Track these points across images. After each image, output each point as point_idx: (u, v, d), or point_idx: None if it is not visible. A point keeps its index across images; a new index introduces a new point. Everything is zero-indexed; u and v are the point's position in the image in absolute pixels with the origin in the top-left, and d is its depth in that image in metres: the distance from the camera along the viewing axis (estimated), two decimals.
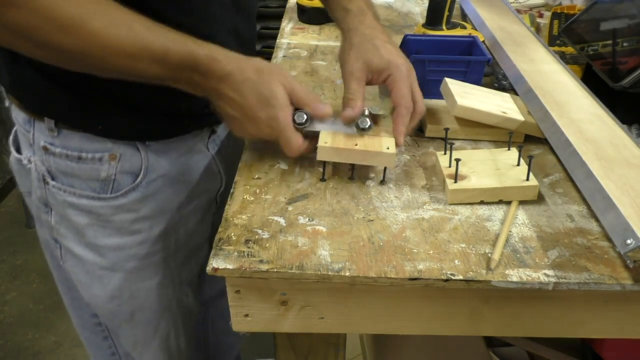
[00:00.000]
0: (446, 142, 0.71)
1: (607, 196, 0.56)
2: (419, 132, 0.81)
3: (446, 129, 0.73)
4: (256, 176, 0.69)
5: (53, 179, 0.73)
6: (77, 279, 0.81)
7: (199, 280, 0.92)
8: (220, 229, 0.60)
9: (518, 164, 0.68)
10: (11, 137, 0.79)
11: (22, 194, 0.83)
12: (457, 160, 0.65)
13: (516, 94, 0.85)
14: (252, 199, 0.65)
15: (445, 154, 0.71)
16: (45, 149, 0.71)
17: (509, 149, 0.72)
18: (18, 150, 0.78)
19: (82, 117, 0.70)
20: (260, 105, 0.62)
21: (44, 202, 0.76)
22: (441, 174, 0.68)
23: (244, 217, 0.62)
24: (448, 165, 0.68)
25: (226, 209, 0.63)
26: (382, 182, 0.68)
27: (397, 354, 1.21)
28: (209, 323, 1.03)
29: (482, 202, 0.65)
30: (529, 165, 0.65)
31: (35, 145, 0.72)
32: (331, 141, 0.67)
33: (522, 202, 0.66)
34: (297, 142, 0.65)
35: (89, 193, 0.73)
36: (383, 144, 0.67)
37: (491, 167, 0.68)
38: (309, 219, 0.62)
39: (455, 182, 0.65)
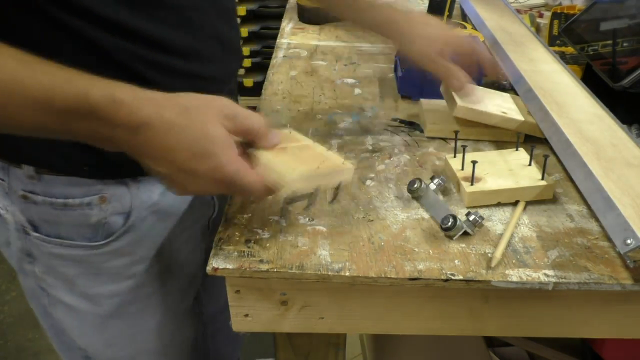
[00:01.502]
0: (456, 145, 0.71)
1: (607, 196, 0.56)
2: (418, 132, 0.81)
3: (456, 132, 0.73)
4: None
5: (35, 229, 0.65)
6: (70, 326, 0.74)
7: (199, 304, 0.87)
8: (220, 229, 0.60)
9: (529, 164, 0.68)
10: None
11: None
12: (474, 162, 0.64)
13: (516, 94, 0.85)
14: (252, 199, 0.65)
15: (454, 156, 0.71)
16: (24, 197, 0.63)
17: (517, 149, 0.72)
18: None
19: (65, 159, 0.61)
20: (196, 158, 0.49)
21: (26, 252, 0.68)
22: (454, 177, 0.68)
23: (244, 217, 0.62)
24: (460, 168, 0.68)
25: (226, 208, 0.63)
26: (332, 201, 0.64)
27: (397, 354, 1.21)
28: (209, 337, 0.97)
29: (497, 204, 0.65)
30: (544, 165, 0.65)
31: (13, 194, 0.64)
32: (293, 169, 0.53)
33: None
34: (258, 182, 0.52)
35: (78, 242, 0.66)
36: (338, 160, 0.59)
37: (503, 168, 0.68)
38: (309, 219, 0.62)
39: (472, 184, 0.65)
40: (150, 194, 0.67)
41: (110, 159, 0.59)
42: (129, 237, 0.67)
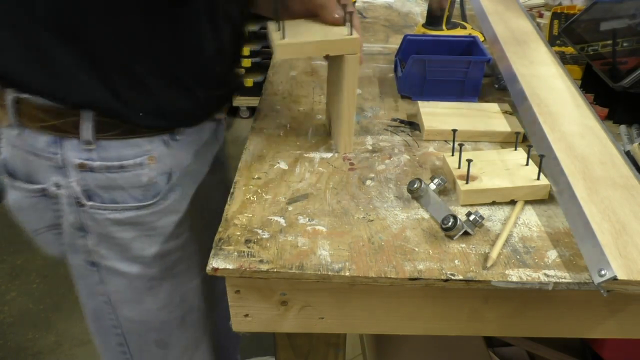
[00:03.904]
0: (454, 144, 0.71)
1: (587, 223, 0.56)
2: (418, 132, 0.81)
3: (454, 130, 0.73)
4: (256, 176, 0.69)
5: (90, 198, 0.70)
6: (123, 298, 0.78)
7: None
8: (220, 229, 0.60)
9: (527, 164, 0.68)
10: (4, 174, 0.73)
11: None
12: (469, 161, 0.65)
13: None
14: (252, 198, 0.65)
15: (452, 155, 0.71)
16: (81, 166, 0.67)
17: (515, 149, 0.72)
18: (30, 182, 0.71)
19: (124, 103, 0.66)
20: None
21: (78, 226, 0.72)
22: (451, 176, 0.68)
23: (244, 217, 0.62)
24: (457, 166, 0.68)
25: (226, 208, 0.63)
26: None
27: (397, 354, 1.21)
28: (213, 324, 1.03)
29: (491, 203, 0.65)
30: (540, 165, 0.65)
31: (68, 165, 0.68)
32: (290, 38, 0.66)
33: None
34: None
35: (132, 204, 0.71)
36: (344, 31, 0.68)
37: (500, 168, 0.68)
38: (309, 219, 0.62)
39: (467, 183, 0.65)
40: (186, 155, 0.75)
41: (162, 106, 0.69)
42: (173, 195, 0.74)
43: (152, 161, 0.70)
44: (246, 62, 2.77)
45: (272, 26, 0.69)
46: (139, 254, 0.75)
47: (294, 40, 0.67)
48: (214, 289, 0.90)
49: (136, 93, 0.66)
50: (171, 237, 0.76)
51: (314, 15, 0.71)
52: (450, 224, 0.58)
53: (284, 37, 0.66)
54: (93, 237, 0.73)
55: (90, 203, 0.70)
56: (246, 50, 2.72)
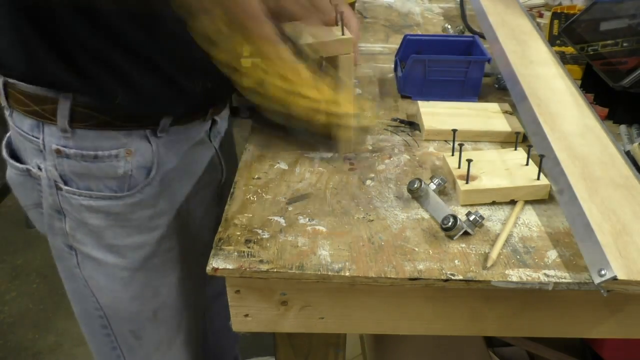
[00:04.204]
0: (454, 143, 0.71)
1: (587, 223, 0.56)
2: (418, 132, 0.81)
3: (454, 130, 0.73)
4: (256, 176, 0.69)
5: (66, 183, 0.72)
6: (97, 285, 0.80)
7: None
8: (220, 229, 0.60)
9: (527, 164, 0.68)
10: (5, 151, 0.77)
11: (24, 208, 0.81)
12: (469, 160, 0.65)
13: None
14: (252, 199, 0.65)
15: (452, 155, 0.71)
16: (58, 151, 0.70)
17: (515, 149, 0.72)
18: (19, 161, 0.75)
19: (99, 88, 0.67)
20: None
21: (56, 209, 0.75)
22: (450, 176, 0.68)
23: (244, 217, 0.62)
24: (457, 166, 0.68)
25: (226, 209, 0.63)
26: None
27: (397, 354, 1.21)
28: (207, 323, 1.03)
29: (491, 203, 0.65)
30: (540, 165, 0.65)
31: (47, 150, 0.71)
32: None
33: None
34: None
35: (106, 193, 0.72)
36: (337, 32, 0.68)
37: (500, 167, 0.68)
38: (309, 219, 0.62)
39: (467, 183, 0.65)
40: (170, 153, 0.75)
41: (140, 95, 0.68)
42: (150, 189, 0.74)
43: (129, 154, 0.71)
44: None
45: None
46: (112, 242, 0.76)
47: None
48: (199, 289, 0.91)
49: (112, 81, 0.67)
50: (145, 230, 0.77)
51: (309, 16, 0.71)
52: (450, 223, 0.58)
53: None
54: (70, 221, 0.75)
55: (67, 187, 0.72)
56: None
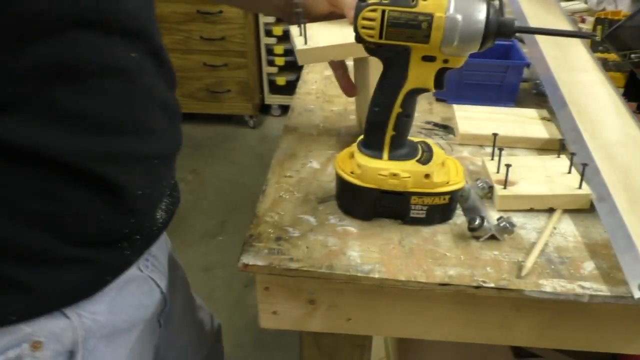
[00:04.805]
0: (494, 148, 0.70)
1: (628, 234, 0.54)
2: (452, 136, 0.80)
3: (495, 134, 0.71)
4: (288, 174, 0.70)
5: None
6: None
7: None
8: (251, 226, 0.60)
9: (569, 172, 0.67)
10: None
11: None
12: (508, 165, 0.63)
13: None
14: (284, 196, 0.65)
15: (492, 159, 0.70)
16: None
17: (558, 156, 0.70)
18: None
19: None
20: None
21: None
22: (489, 180, 0.67)
23: (275, 214, 0.62)
24: (496, 171, 0.67)
25: (258, 205, 0.64)
26: None
27: (421, 358, 1.20)
28: None
29: (529, 210, 0.64)
30: (582, 174, 0.64)
31: None
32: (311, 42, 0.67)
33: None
34: None
35: None
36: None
37: (541, 174, 0.67)
38: (339, 219, 0.62)
39: (505, 188, 0.64)
40: (95, 317, 0.54)
41: (41, 288, 0.48)
42: None
43: (37, 347, 0.50)
44: (280, 61, 2.78)
45: (294, 30, 0.69)
46: None
47: (316, 45, 0.66)
48: None
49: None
50: None
51: (340, 15, 0.71)
52: (476, 224, 0.58)
53: (305, 42, 0.66)
54: None
55: None
56: (279, 49, 2.73)
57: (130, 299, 0.58)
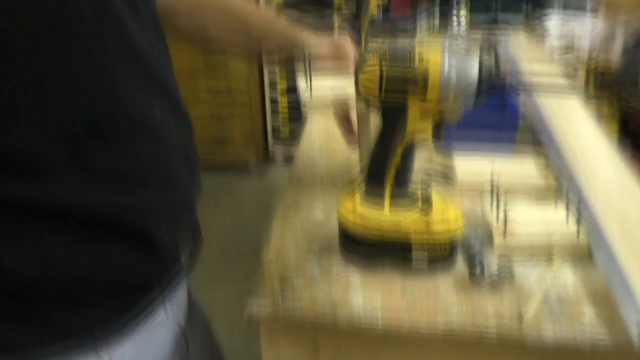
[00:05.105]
0: (492, 195, 0.72)
1: (627, 282, 0.55)
2: (451, 185, 0.82)
3: (492, 181, 0.74)
4: (292, 223, 0.71)
5: None
6: None
7: None
8: (255, 274, 0.61)
9: (567, 219, 0.68)
10: None
11: None
12: (506, 212, 0.65)
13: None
14: (288, 244, 0.67)
15: (491, 206, 0.72)
16: None
17: (556, 204, 0.72)
18: None
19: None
20: None
21: None
22: (489, 227, 0.68)
23: (279, 262, 0.63)
24: (495, 218, 0.68)
25: (262, 253, 0.65)
26: None
27: None
28: None
29: (528, 257, 0.65)
30: (578, 221, 0.65)
31: None
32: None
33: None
34: None
35: None
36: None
37: (539, 222, 0.68)
38: (342, 268, 0.63)
39: (504, 235, 0.65)
40: (124, 358, 0.55)
41: (75, 327, 0.50)
42: None
43: None
44: (284, 112, 2.85)
45: (301, 80, 0.73)
46: None
47: (320, 96, 0.71)
48: None
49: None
50: None
51: (343, 60, 0.74)
52: (477, 271, 0.59)
53: (310, 93, 0.70)
54: None
55: None
56: (284, 101, 2.81)
57: (155, 342, 0.60)
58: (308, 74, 0.71)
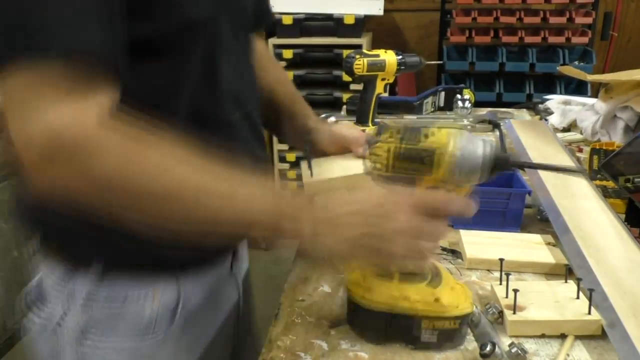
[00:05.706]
0: (502, 273, 0.72)
1: None
2: (460, 260, 0.82)
3: (501, 259, 0.74)
4: (300, 298, 0.71)
5: (93, 332, 0.69)
6: None
7: None
8: (264, 350, 0.61)
9: (577, 297, 0.68)
10: (24, 300, 0.74)
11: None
12: (516, 290, 0.65)
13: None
14: (296, 320, 0.66)
15: (500, 284, 0.71)
16: (88, 297, 0.68)
17: (566, 281, 0.72)
18: (40, 310, 0.71)
19: (134, 251, 0.65)
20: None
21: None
22: (498, 305, 0.68)
23: (287, 338, 0.63)
24: (505, 295, 0.68)
25: (270, 330, 0.64)
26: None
27: None
28: None
29: (540, 336, 0.64)
30: (590, 299, 0.65)
31: (76, 297, 0.68)
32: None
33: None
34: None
35: (133, 336, 0.70)
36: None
37: (550, 299, 0.68)
38: (351, 344, 0.62)
39: (515, 313, 0.65)
40: (195, 291, 0.73)
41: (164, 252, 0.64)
42: (175, 328, 0.72)
43: (156, 295, 0.70)
44: (292, 184, 2.89)
45: (303, 165, 0.77)
46: None
47: (321, 177, 0.74)
48: None
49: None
50: None
51: (346, 151, 0.78)
52: (488, 350, 0.58)
53: (311, 175, 0.73)
54: None
55: (93, 337, 0.69)
56: (292, 174, 2.86)
57: (219, 292, 0.78)
58: (309, 165, 0.76)
